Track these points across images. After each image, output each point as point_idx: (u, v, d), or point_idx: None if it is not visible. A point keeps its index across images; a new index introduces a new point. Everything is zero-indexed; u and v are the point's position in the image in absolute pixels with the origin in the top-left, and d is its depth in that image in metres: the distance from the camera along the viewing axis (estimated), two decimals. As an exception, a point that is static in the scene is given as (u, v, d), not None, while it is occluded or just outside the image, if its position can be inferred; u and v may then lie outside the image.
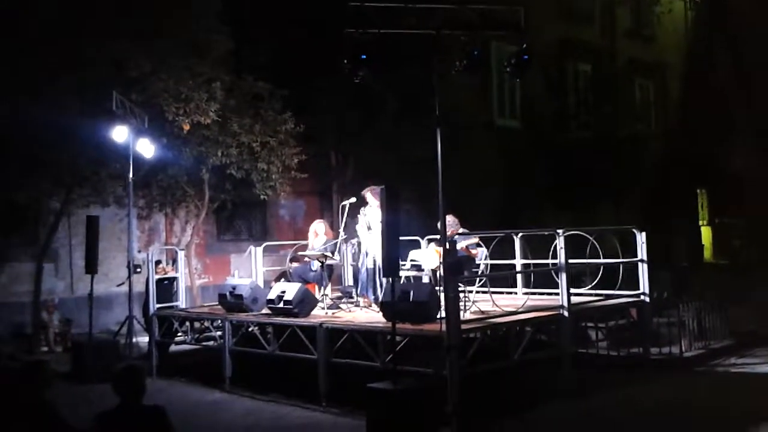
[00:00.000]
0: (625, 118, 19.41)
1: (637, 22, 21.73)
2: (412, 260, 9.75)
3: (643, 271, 9.36)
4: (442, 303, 7.45)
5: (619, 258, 9.93)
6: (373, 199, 9.46)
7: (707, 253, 22.28)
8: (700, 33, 21.18)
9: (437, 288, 8.23)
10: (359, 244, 9.75)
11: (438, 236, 9.62)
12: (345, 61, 7.11)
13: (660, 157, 20.24)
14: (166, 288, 11.04)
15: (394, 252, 6.84)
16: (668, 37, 22.24)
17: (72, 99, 10.77)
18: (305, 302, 8.69)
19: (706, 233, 22.67)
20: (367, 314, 8.89)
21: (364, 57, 6.99)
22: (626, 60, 21.35)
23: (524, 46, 7.34)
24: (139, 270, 10.95)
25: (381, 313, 8.15)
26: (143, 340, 10.86)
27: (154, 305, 10.24)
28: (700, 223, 22.71)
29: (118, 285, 11.67)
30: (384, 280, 9.16)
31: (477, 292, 9.06)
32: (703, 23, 20.97)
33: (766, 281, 14.70)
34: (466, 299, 8.35)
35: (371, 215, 9.45)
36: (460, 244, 8.63)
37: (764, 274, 15.41)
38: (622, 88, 20.41)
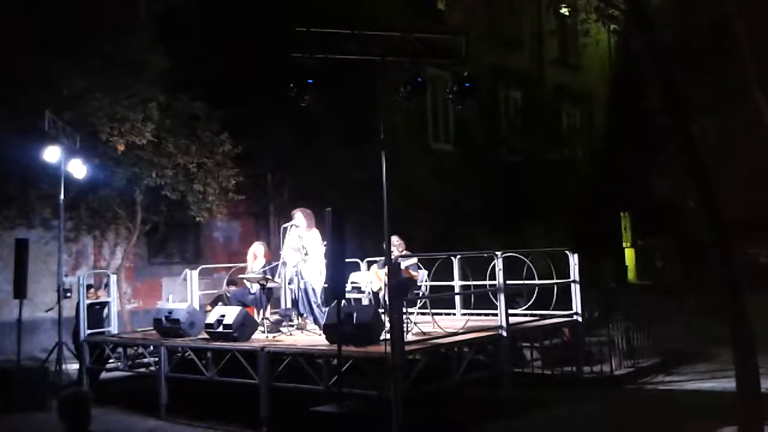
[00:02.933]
0: (554, 142, 20.04)
1: (564, 52, 22.58)
2: (352, 282, 9.79)
3: (575, 291, 9.66)
4: (385, 325, 7.53)
5: (552, 279, 10.22)
6: (302, 221, 9.41)
7: (631, 275, 23.07)
8: (623, 62, 22.19)
9: (380, 310, 8.30)
10: (284, 264, 9.57)
11: (378, 258, 9.73)
12: (291, 86, 7.15)
13: (586, 181, 20.97)
14: (97, 313, 10.67)
15: (339, 275, 6.87)
16: (593, 66, 23.18)
17: (0, 119, 10.38)
18: (246, 326, 8.58)
19: (629, 255, 23.49)
20: (308, 337, 8.85)
21: (311, 81, 7.05)
22: (554, 87, 22.13)
23: (466, 74, 7.54)
24: (69, 295, 10.56)
25: (323, 336, 8.14)
26: (72, 367, 10.45)
27: (85, 331, 9.91)
28: (624, 245, 23.53)
29: (47, 310, 11.21)
30: (313, 300, 9.14)
31: (418, 313, 9.17)
32: (626, 53, 21.98)
33: (688, 301, 15.37)
34: (408, 321, 8.43)
35: (304, 237, 9.39)
36: (401, 266, 8.71)
37: (685, 294, 16.10)
38: (550, 114, 21.11)
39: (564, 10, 17.90)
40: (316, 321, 9.12)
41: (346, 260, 9.90)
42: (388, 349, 6.88)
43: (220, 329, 8.55)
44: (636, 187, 20.04)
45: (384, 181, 7.02)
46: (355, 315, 7.73)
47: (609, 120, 23.19)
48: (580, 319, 9.71)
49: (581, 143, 23.02)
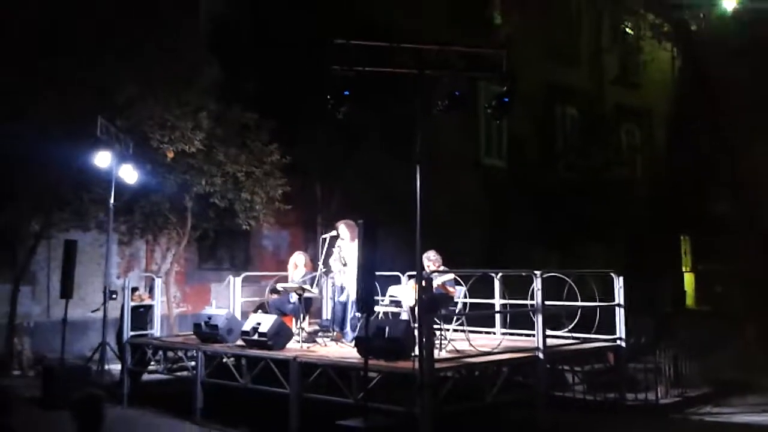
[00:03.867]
0: (612, 161, 19.59)
1: (624, 69, 22.12)
2: (391, 296, 9.72)
3: (619, 315, 9.35)
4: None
5: (596, 301, 9.91)
6: (346, 233, 9.45)
7: (690, 300, 22.32)
8: (684, 82, 21.57)
9: (414, 325, 8.20)
10: (325, 274, 9.70)
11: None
12: (328, 97, 7.17)
13: (645, 202, 20.42)
14: (142, 315, 10.87)
15: (369, 287, 6.82)
16: (655, 84, 22.62)
17: (55, 122, 10.75)
18: (280, 335, 8.61)
19: (689, 279, 22.73)
20: (342, 349, 8.82)
21: (347, 93, 7.05)
22: (613, 105, 21.67)
23: (505, 89, 7.43)
24: (114, 296, 10.82)
25: (356, 349, 8.09)
26: (116, 367, 10.71)
27: (127, 333, 10.12)
28: (684, 269, 22.79)
29: (93, 311, 11.54)
30: (355, 314, 9.16)
31: (454, 330, 9.03)
32: (686, 73, 21.37)
33: (746, 329, 14.71)
34: (443, 337, 8.30)
35: (344, 249, 9.43)
36: (436, 281, 8.61)
37: (745, 321, 15.42)
38: (608, 133, 20.66)
39: (621, 27, 17.56)
40: (345, 335, 9.14)
41: (388, 273, 9.93)
42: (418, 365, 6.77)
43: (255, 337, 8.60)
44: (696, 208, 19.42)
45: (418, 195, 6.97)
46: (387, 329, 7.65)
47: (669, 139, 22.55)
48: (623, 344, 9.37)
49: (641, 162, 22.47)
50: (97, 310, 10.91)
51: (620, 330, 9.35)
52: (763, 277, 15.31)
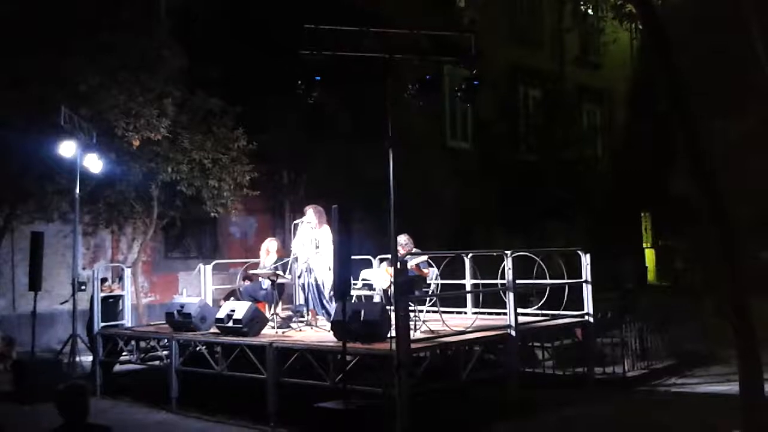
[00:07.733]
0: (574, 141, 19.88)
1: (585, 50, 22.40)
2: (363, 279, 9.80)
3: (587, 291, 9.58)
4: (393, 322, 7.53)
5: (564, 279, 10.13)
6: (312, 217, 9.49)
7: (651, 275, 22.84)
8: (644, 61, 21.97)
9: (388, 307, 8.30)
10: (296, 259, 9.68)
11: (389, 255, 9.73)
12: (299, 82, 7.17)
13: (607, 181, 20.80)
14: (111, 306, 10.78)
15: (345, 272, 6.87)
16: (615, 64, 22.96)
17: (17, 112, 10.52)
18: (255, 321, 8.63)
19: (650, 255, 23.25)
20: (317, 333, 8.88)
21: (318, 78, 7.07)
22: (574, 86, 21.95)
23: (474, 72, 7.52)
24: (83, 288, 10.70)
25: (331, 332, 8.16)
26: (87, 359, 10.60)
27: (98, 324, 10.02)
28: (644, 245, 23.30)
29: (62, 303, 11.37)
30: (328, 297, 9.22)
31: (427, 311, 9.15)
32: (646, 52, 21.74)
33: (706, 303, 15.15)
34: (417, 318, 8.41)
35: (314, 234, 9.46)
36: (411, 263, 8.71)
37: (704, 295, 15.88)
38: (570, 113, 20.93)
39: (582, 8, 17.76)
40: (328, 316, 9.17)
41: (359, 257, 10.00)
42: (394, 346, 6.87)
43: (230, 324, 8.61)
44: (656, 186, 19.85)
45: (391, 178, 7.02)
46: (362, 312, 7.73)
47: (629, 118, 22.97)
48: (591, 319, 9.61)
49: (602, 142, 22.87)
50: (66, 302, 10.77)
51: (588, 306, 9.58)
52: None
